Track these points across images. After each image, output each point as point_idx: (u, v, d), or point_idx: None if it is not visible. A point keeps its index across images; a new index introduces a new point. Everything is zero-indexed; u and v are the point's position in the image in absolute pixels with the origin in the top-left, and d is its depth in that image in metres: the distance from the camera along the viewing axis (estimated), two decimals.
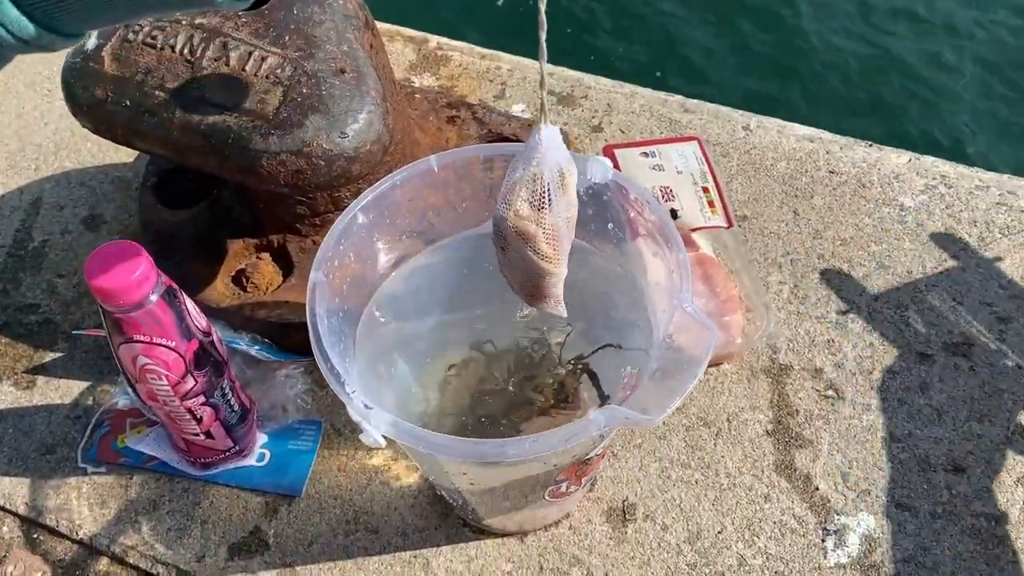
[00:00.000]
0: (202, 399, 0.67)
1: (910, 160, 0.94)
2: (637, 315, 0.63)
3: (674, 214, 0.84)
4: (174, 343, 0.62)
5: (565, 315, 0.61)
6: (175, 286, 0.63)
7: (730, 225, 0.83)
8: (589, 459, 0.61)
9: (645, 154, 0.88)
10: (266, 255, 0.83)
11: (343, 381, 0.52)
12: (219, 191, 0.86)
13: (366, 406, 0.51)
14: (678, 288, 0.56)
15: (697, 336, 0.53)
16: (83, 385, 0.81)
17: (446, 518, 0.72)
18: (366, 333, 0.64)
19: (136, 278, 0.58)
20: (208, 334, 0.65)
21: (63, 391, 0.81)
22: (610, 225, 0.64)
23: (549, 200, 0.55)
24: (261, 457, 0.75)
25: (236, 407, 0.71)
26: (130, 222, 0.94)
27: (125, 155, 1.00)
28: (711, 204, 0.85)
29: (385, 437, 0.51)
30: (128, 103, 0.69)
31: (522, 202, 0.55)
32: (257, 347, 0.77)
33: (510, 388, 0.68)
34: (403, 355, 0.68)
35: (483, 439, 0.49)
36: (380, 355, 0.66)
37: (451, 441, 0.50)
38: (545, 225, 0.55)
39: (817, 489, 0.73)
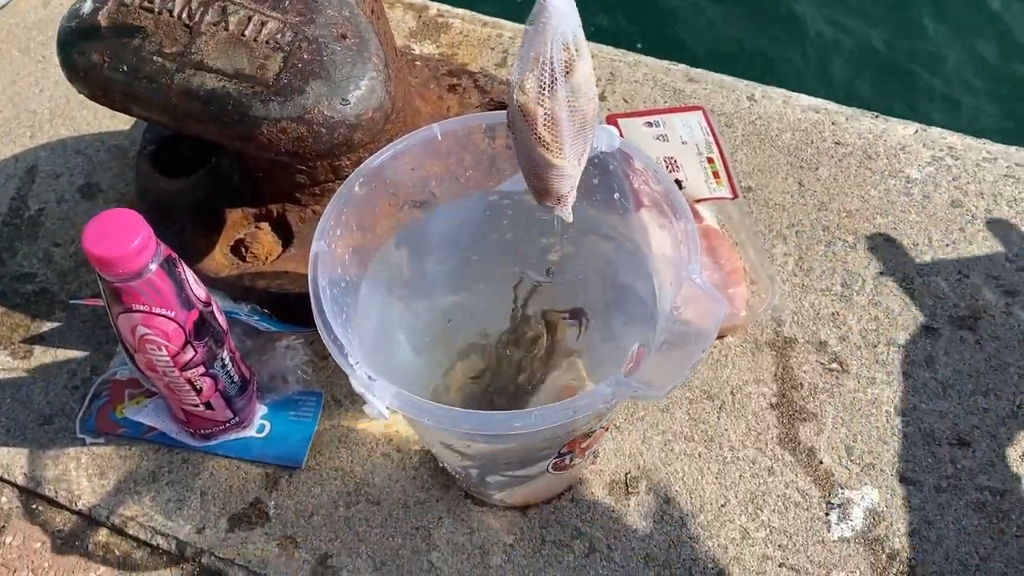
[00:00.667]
0: (202, 370, 0.66)
1: (917, 131, 0.93)
2: (643, 286, 0.62)
3: (678, 185, 0.83)
4: (174, 313, 0.61)
5: (570, 219, 0.57)
6: (174, 255, 0.62)
7: (735, 196, 0.82)
8: (593, 431, 0.60)
9: (649, 124, 0.87)
10: (265, 225, 0.82)
11: (346, 352, 0.51)
12: (217, 159, 0.85)
13: (370, 377, 0.51)
14: (686, 259, 0.55)
15: (705, 308, 0.52)
16: (81, 355, 0.81)
17: (448, 490, 0.72)
18: (367, 305, 0.63)
19: (135, 247, 0.57)
20: (208, 304, 0.64)
21: (61, 361, 0.80)
22: (616, 195, 0.63)
23: (551, 80, 0.50)
24: (261, 428, 0.75)
25: (236, 378, 0.70)
26: (127, 191, 0.92)
27: (122, 123, 0.98)
28: (716, 175, 0.84)
29: (389, 409, 0.50)
30: (125, 68, 0.67)
31: (530, 76, 0.50)
32: (257, 317, 0.76)
33: (509, 353, 0.67)
34: (404, 327, 0.67)
35: (489, 411, 0.49)
36: (381, 327, 0.65)
37: (456, 413, 0.49)
38: (545, 106, 0.51)
39: (821, 463, 0.73)
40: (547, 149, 0.52)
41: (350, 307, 0.60)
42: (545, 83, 0.50)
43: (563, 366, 0.66)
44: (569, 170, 0.55)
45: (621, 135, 0.86)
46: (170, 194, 0.84)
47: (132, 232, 0.57)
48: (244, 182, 0.82)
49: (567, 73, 0.50)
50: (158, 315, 0.61)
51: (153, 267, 0.59)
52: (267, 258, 0.80)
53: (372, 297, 0.63)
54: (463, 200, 0.68)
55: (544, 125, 0.51)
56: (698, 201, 0.82)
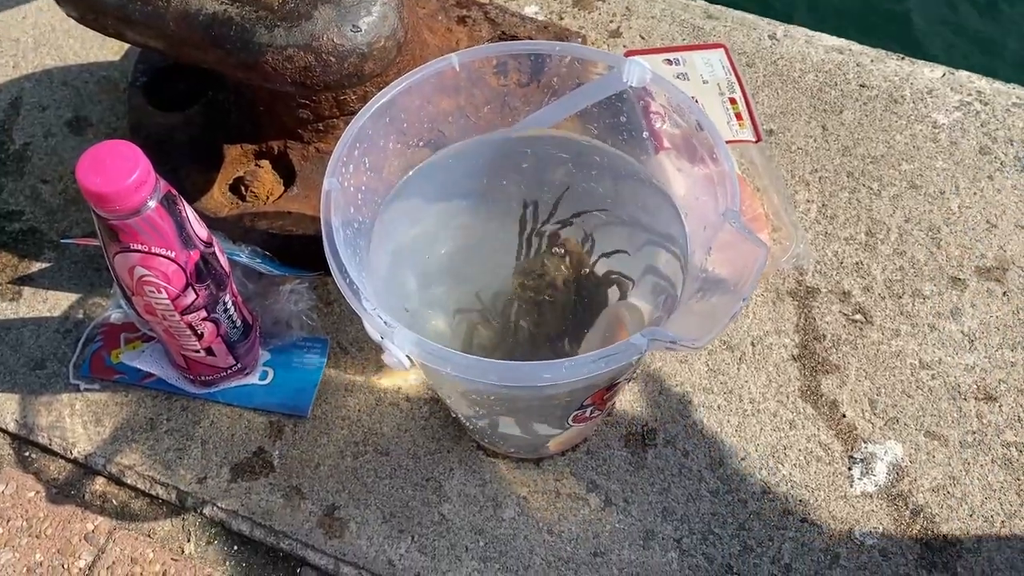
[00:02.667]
0: (203, 314, 0.62)
1: (944, 74, 0.89)
2: (673, 229, 0.59)
3: (699, 127, 0.79)
4: (174, 253, 0.58)
5: None
6: (174, 191, 0.58)
7: (758, 140, 0.79)
8: (617, 382, 0.58)
9: (668, 61, 0.83)
10: (266, 162, 0.78)
11: (363, 297, 0.48)
12: (214, 92, 0.81)
13: (387, 323, 0.48)
14: (723, 201, 0.52)
15: (745, 253, 0.49)
16: (73, 297, 0.77)
17: (459, 440, 0.69)
18: (378, 248, 0.59)
19: (133, 182, 0.53)
20: (209, 244, 0.61)
21: (52, 303, 0.77)
22: (645, 133, 0.60)
23: None
24: (264, 375, 0.72)
25: (238, 323, 0.67)
26: (119, 125, 0.88)
27: (111, 52, 0.93)
28: (739, 117, 0.80)
29: (409, 358, 0.47)
30: None
31: None
32: (259, 260, 0.72)
33: (530, 293, 0.63)
34: (418, 272, 0.64)
35: (515, 362, 0.46)
36: (393, 272, 0.61)
37: (482, 363, 0.46)
38: None
39: (844, 416, 0.70)
40: None
41: (363, 249, 0.56)
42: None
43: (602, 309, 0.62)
44: None
45: None
46: (165, 129, 0.80)
47: (130, 165, 0.54)
48: (243, 117, 0.78)
49: None
50: (157, 255, 0.57)
51: (152, 204, 0.55)
52: (268, 198, 0.76)
53: (383, 241, 0.60)
54: (476, 140, 0.64)
55: None
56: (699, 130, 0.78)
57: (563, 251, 0.64)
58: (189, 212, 0.59)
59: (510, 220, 0.64)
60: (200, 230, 0.60)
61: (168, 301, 0.60)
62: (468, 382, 0.53)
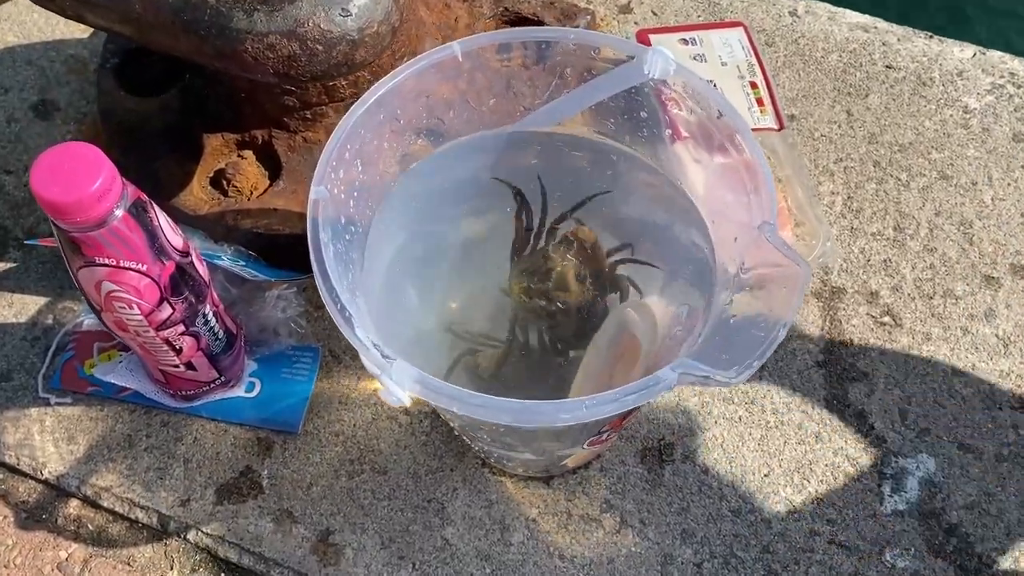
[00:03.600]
0: (181, 328, 0.57)
1: (975, 55, 0.84)
2: (697, 241, 0.53)
3: (719, 114, 0.74)
4: (145, 266, 0.52)
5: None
6: (144, 197, 0.52)
7: (781, 127, 0.73)
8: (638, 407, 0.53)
9: (684, 41, 0.77)
10: (249, 153, 0.72)
11: (355, 325, 0.43)
12: (192, 76, 0.74)
13: (385, 355, 0.42)
14: (759, 211, 0.47)
15: (785, 274, 0.44)
16: (41, 301, 0.71)
17: (463, 458, 0.64)
18: (375, 256, 0.54)
19: (97, 189, 0.48)
20: (186, 254, 0.55)
21: (18, 308, 0.71)
22: (668, 131, 0.54)
23: None
24: (251, 387, 0.67)
25: (221, 334, 0.61)
26: (88, 110, 0.82)
27: (80, 28, 0.87)
28: (760, 102, 0.74)
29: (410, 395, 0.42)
30: None
31: None
32: (242, 262, 0.67)
33: (538, 300, 0.57)
34: (417, 283, 0.58)
35: (531, 402, 0.41)
36: (392, 284, 0.56)
37: (494, 403, 0.41)
38: None
39: (872, 428, 0.66)
40: None
41: (356, 263, 0.51)
42: None
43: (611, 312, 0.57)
44: None
45: None
46: (138, 116, 0.74)
47: (92, 171, 0.48)
48: (223, 105, 0.72)
49: None
50: (127, 269, 0.51)
51: (119, 213, 0.50)
52: (252, 192, 0.71)
53: (379, 251, 0.54)
54: (479, 136, 0.59)
55: None
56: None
57: (573, 242, 0.58)
58: (162, 219, 0.53)
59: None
60: (174, 238, 0.54)
61: (141, 317, 0.54)
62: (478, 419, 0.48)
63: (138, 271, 0.52)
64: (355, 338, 0.42)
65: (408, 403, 0.42)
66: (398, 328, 0.55)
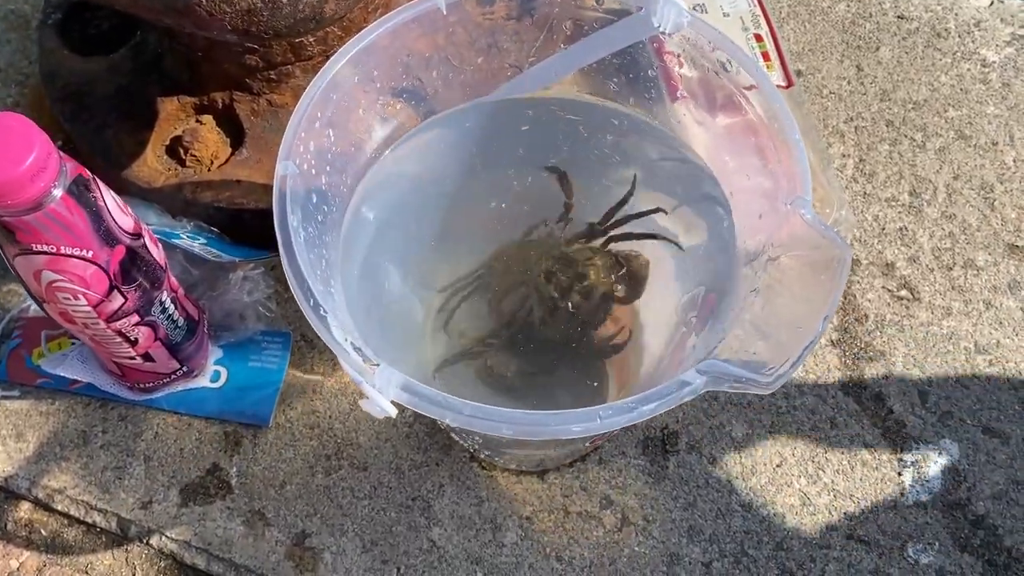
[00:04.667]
0: (135, 318, 0.51)
1: (993, 3, 0.78)
2: (713, 216, 0.48)
3: (718, 71, 0.68)
4: (91, 252, 0.46)
5: None
6: (87, 174, 0.46)
7: (789, 85, 0.68)
8: None
9: None
10: (208, 118, 0.65)
11: (331, 325, 0.37)
12: (144, 32, 0.67)
13: (366, 359, 0.37)
14: (788, 186, 0.41)
15: (823, 258, 0.38)
16: None
17: (449, 451, 0.59)
18: (352, 240, 0.48)
19: (29, 167, 0.41)
20: (137, 236, 0.49)
21: None
22: (680, 92, 0.48)
23: None
24: (216, 376, 0.61)
25: (181, 322, 0.55)
26: (31, 71, 0.74)
27: None
28: (765, 56, 0.68)
29: (396, 403, 0.37)
30: None
31: None
32: (203, 240, 0.60)
33: (551, 292, 0.52)
34: (401, 267, 0.53)
35: (536, 413, 0.35)
36: (373, 269, 0.50)
37: (493, 414, 0.35)
38: None
39: (891, 412, 0.61)
40: None
41: (332, 247, 0.45)
42: None
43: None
44: None
45: None
46: (85, 77, 0.67)
47: (22, 146, 0.41)
48: (179, 64, 0.65)
49: None
50: (70, 256, 0.45)
51: (57, 193, 0.43)
52: (212, 162, 0.64)
53: (358, 229, 0.48)
54: (463, 98, 0.53)
55: None
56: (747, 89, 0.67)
57: (623, 266, 0.52)
58: (108, 198, 0.47)
59: (510, 196, 0.53)
60: (123, 219, 0.48)
61: (89, 308, 0.48)
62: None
63: (83, 258, 0.45)
64: (332, 340, 0.37)
65: (394, 414, 0.36)
66: (379, 319, 0.49)
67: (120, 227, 0.47)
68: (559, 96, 0.52)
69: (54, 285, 0.46)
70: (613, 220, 0.52)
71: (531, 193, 0.54)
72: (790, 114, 0.42)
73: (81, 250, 0.45)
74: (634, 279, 0.51)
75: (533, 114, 0.53)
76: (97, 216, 0.46)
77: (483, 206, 0.55)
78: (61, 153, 0.44)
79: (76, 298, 0.47)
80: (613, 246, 0.52)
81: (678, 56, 0.48)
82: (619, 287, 0.51)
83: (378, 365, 0.36)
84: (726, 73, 0.47)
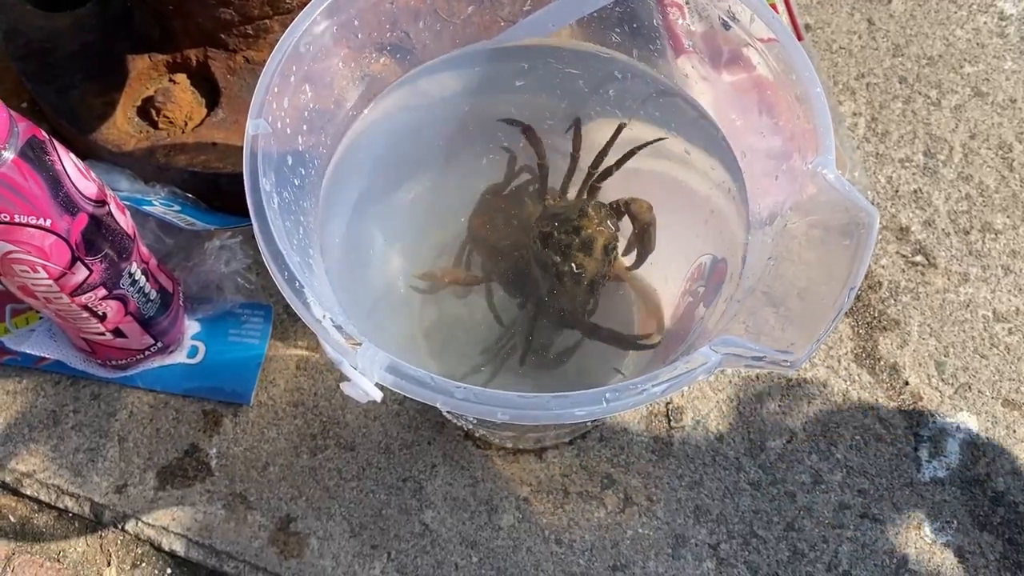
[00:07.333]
0: (102, 292, 0.47)
1: None
2: (723, 178, 0.44)
3: (725, 24, 0.64)
4: (49, 221, 0.42)
5: None
6: (43, 135, 0.42)
7: (799, 39, 0.64)
8: None
9: None
10: (182, 77, 0.61)
11: (310, 302, 0.33)
12: None
13: (347, 337, 0.33)
14: (807, 144, 0.38)
15: (848, 222, 0.35)
16: None
17: (442, 429, 0.56)
18: (333, 206, 0.44)
19: None
20: (101, 203, 0.45)
21: None
22: (688, 43, 0.45)
23: None
24: (193, 352, 0.57)
25: (153, 294, 0.52)
26: None
27: None
28: (773, 9, 0.64)
29: (381, 386, 0.33)
30: None
31: None
32: (177, 207, 0.57)
33: (553, 255, 0.47)
34: (386, 231, 0.49)
35: (535, 396, 0.32)
36: (356, 234, 0.46)
37: (488, 397, 0.32)
38: None
39: (907, 384, 0.58)
40: None
41: (308, 212, 0.41)
42: None
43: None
44: None
45: None
46: (49, 35, 0.63)
47: None
48: (149, 20, 0.61)
49: None
50: (25, 226, 0.41)
51: (7, 156, 0.40)
52: (186, 123, 0.60)
53: (339, 193, 0.45)
54: (458, 55, 0.49)
55: None
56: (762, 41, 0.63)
57: (623, 213, 0.47)
58: (68, 161, 0.43)
59: (503, 157, 0.50)
60: (85, 184, 0.44)
61: (50, 281, 0.44)
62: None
63: (40, 227, 0.42)
64: (309, 316, 0.33)
65: (379, 398, 0.33)
66: (362, 290, 0.45)
67: (82, 193, 0.43)
68: (557, 45, 0.48)
69: (10, 257, 0.42)
70: (603, 167, 0.48)
71: (527, 151, 0.50)
72: (810, 66, 0.39)
73: (38, 219, 0.41)
74: (638, 223, 0.46)
75: (528, 67, 0.49)
76: (55, 181, 0.42)
77: (476, 164, 0.51)
78: (12, 113, 0.40)
79: (35, 270, 0.43)
80: (611, 193, 0.48)
81: (683, 5, 0.45)
82: (616, 235, 0.46)
83: (360, 344, 0.33)
84: (736, 23, 0.44)
